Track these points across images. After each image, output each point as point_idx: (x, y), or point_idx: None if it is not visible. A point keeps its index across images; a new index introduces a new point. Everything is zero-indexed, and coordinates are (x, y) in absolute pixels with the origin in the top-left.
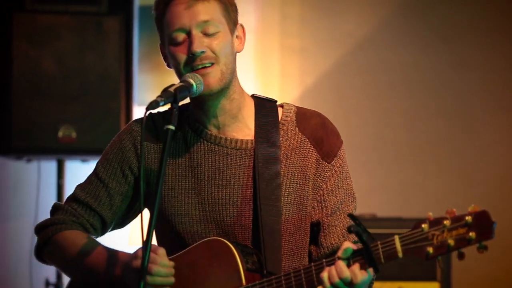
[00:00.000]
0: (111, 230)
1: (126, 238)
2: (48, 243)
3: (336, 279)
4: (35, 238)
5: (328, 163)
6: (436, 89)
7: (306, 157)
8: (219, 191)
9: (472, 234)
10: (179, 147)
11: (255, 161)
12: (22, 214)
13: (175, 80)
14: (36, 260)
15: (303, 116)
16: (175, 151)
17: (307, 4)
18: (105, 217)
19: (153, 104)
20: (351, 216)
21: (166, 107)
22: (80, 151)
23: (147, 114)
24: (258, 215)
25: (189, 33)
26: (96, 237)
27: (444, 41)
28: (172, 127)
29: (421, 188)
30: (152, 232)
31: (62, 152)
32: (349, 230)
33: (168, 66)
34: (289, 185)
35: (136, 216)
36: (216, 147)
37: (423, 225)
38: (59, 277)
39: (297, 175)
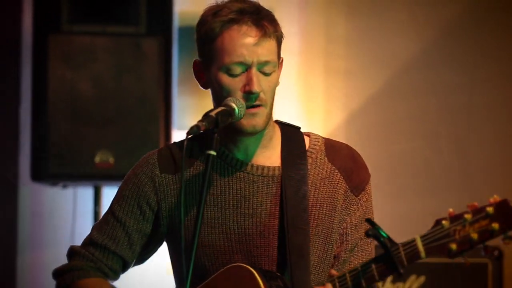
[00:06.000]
0: (131, 267)
1: (165, 268)
2: None
3: None
4: None
5: (356, 196)
6: (487, 112)
7: (336, 187)
8: (245, 220)
9: (495, 225)
10: (199, 174)
11: (282, 188)
12: (58, 242)
13: None
14: None
15: (332, 146)
16: (195, 179)
17: (351, 25)
18: (125, 257)
19: (194, 129)
20: (369, 220)
21: (182, 137)
22: (118, 177)
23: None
24: (285, 242)
25: (248, 68)
26: (116, 279)
27: (493, 62)
28: (213, 153)
29: None
30: (192, 262)
31: (99, 178)
32: (367, 234)
33: (203, 86)
34: (318, 215)
35: (155, 251)
36: (242, 174)
37: (443, 222)
38: None
39: (326, 206)
